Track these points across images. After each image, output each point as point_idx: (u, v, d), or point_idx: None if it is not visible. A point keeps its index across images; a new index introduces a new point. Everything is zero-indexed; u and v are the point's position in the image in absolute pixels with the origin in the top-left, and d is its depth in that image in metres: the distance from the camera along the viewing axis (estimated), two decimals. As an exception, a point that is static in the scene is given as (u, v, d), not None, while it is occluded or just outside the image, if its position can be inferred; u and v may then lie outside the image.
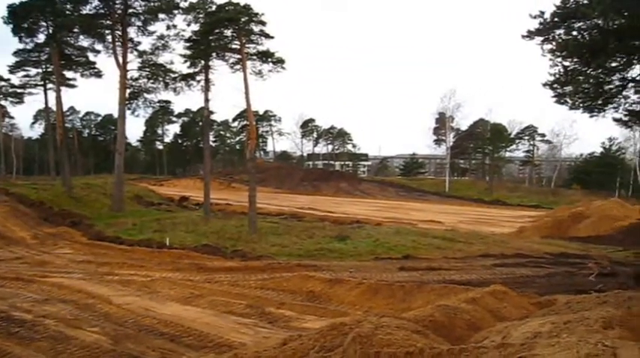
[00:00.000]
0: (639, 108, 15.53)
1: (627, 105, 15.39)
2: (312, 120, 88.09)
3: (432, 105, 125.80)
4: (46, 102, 45.21)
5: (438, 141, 76.69)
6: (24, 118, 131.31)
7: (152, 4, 32.16)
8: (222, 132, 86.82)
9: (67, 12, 33.81)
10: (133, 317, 10.23)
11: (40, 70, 42.95)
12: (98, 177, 48.42)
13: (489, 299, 8.03)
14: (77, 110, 79.48)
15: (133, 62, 33.53)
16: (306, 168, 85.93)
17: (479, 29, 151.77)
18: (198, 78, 29.05)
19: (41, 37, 36.07)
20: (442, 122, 72.12)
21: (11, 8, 33.75)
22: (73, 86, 41.70)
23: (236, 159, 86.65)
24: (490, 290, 8.59)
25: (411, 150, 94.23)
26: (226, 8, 26.14)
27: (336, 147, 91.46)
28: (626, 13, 12.56)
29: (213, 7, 27.26)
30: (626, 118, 16.09)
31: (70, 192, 32.85)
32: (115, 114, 39.02)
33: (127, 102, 34.16)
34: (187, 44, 28.87)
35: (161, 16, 31.99)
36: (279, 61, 26.99)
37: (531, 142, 75.78)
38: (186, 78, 29.92)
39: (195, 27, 28.05)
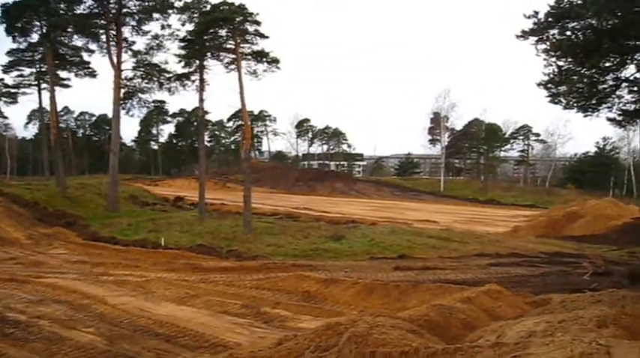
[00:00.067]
0: (633, 107, 15.63)
1: (621, 104, 15.52)
2: (307, 120, 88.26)
3: (426, 105, 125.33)
4: (40, 102, 45.24)
5: (432, 141, 76.93)
6: (18, 118, 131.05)
7: (147, 3, 32.03)
8: (217, 132, 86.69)
9: (61, 11, 33.68)
10: (128, 318, 10.21)
11: (33, 70, 42.84)
12: (93, 178, 48.14)
13: (484, 299, 8.06)
14: (71, 110, 79.18)
15: (128, 62, 33.43)
16: (301, 168, 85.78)
17: (473, 29, 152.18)
18: (192, 78, 28.95)
19: (35, 37, 35.95)
20: (437, 122, 72.26)
21: (4, 7, 33.74)
22: (67, 86, 41.37)
23: (231, 159, 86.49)
24: (485, 289, 8.63)
25: (406, 149, 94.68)
26: (221, 8, 26.12)
27: (331, 147, 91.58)
28: (619, 13, 12.62)
29: (208, 7, 27.23)
30: (619, 118, 16.20)
31: (64, 193, 32.68)
32: (110, 114, 38.78)
33: (121, 102, 34.05)
34: (182, 44, 28.84)
35: (155, 15, 31.88)
36: (274, 61, 27.07)
37: (526, 142, 76.20)
38: (181, 78, 29.81)
39: (190, 27, 27.98)
